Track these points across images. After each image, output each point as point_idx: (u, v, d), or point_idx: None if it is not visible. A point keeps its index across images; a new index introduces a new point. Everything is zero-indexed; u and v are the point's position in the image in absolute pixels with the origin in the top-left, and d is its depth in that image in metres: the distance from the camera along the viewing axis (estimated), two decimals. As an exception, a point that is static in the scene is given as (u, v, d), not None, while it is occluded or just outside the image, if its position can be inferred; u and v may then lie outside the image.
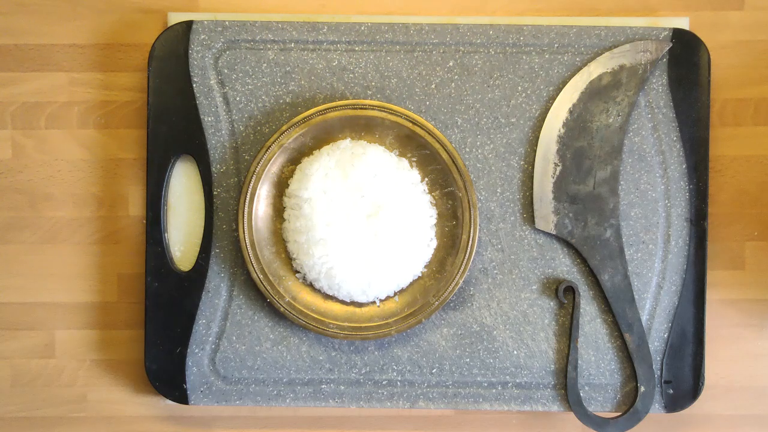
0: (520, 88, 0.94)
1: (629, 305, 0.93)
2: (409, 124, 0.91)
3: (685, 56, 0.93)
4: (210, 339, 0.94)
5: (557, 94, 0.94)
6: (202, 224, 0.94)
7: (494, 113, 0.94)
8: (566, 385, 0.93)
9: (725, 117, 0.96)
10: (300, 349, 0.94)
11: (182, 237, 0.95)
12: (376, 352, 0.94)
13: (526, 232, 0.94)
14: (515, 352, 0.94)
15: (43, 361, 0.97)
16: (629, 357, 0.93)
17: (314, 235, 0.90)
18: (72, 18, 0.97)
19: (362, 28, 0.94)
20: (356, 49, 0.94)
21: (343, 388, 0.94)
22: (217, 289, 0.94)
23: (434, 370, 0.94)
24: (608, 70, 0.93)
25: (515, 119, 0.94)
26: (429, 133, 0.91)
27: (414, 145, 0.92)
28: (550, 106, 0.94)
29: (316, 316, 0.92)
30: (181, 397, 0.94)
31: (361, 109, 0.91)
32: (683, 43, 0.93)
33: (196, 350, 0.94)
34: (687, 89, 0.93)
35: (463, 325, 0.94)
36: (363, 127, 0.92)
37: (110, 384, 0.97)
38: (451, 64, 0.94)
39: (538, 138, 0.94)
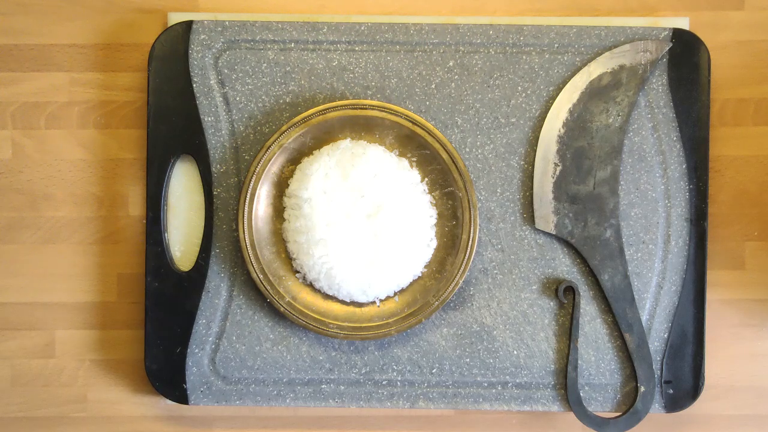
0: (520, 88, 0.94)
1: (629, 305, 0.93)
2: (409, 124, 0.91)
3: (685, 56, 0.93)
4: (210, 339, 0.94)
5: (557, 94, 0.94)
6: (202, 224, 0.94)
7: (494, 113, 0.94)
8: (566, 385, 0.93)
9: (725, 117, 0.96)
10: (300, 349, 0.94)
11: (182, 237, 0.95)
12: (376, 352, 0.94)
13: (526, 232, 0.94)
14: (515, 352, 0.94)
15: (43, 361, 0.97)
16: (629, 357, 0.93)
17: (314, 235, 0.90)
18: (72, 18, 0.97)
19: (362, 28, 0.94)
20: (356, 49, 0.94)
21: (343, 388, 0.94)
22: (217, 289, 0.94)
23: (434, 370, 0.94)
24: (608, 70, 0.93)
25: (515, 119, 0.94)
26: (429, 133, 0.91)
27: (414, 145, 0.92)
28: (550, 106, 0.94)
29: (316, 316, 0.92)
30: (181, 397, 0.94)
31: (361, 109, 0.91)
32: (683, 43, 0.93)
33: (196, 350, 0.94)
34: (687, 89, 0.93)
35: (463, 325, 0.94)
36: (363, 127, 0.92)
37: (110, 384, 0.97)
38: (451, 64, 0.94)
39: (538, 138, 0.94)
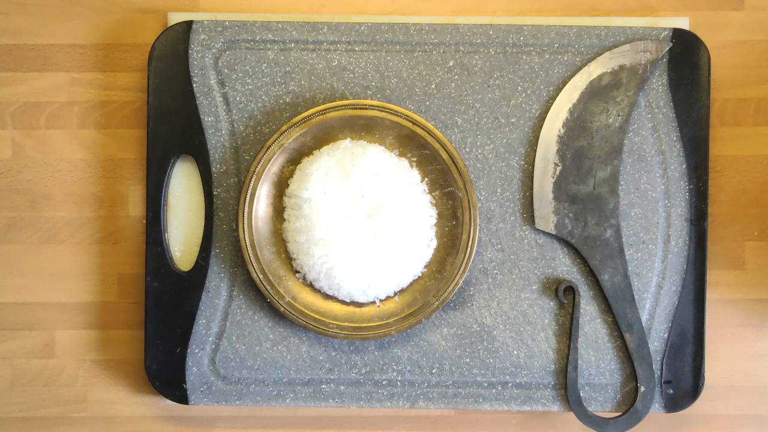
0: (520, 88, 0.94)
1: (629, 305, 0.93)
2: (409, 124, 0.91)
3: (685, 56, 0.93)
4: (210, 339, 0.94)
5: (557, 94, 0.94)
6: (202, 224, 0.94)
7: (494, 113, 0.94)
8: (566, 385, 0.93)
9: (725, 117, 0.96)
10: (300, 349, 0.94)
11: (182, 237, 0.95)
12: (376, 352, 0.94)
13: (526, 232, 0.94)
14: (515, 352, 0.94)
15: (43, 361, 0.97)
16: (629, 357, 0.93)
17: (314, 235, 0.90)
18: (72, 18, 0.97)
19: (362, 28, 0.94)
20: (356, 49, 0.94)
21: (343, 388, 0.94)
22: (217, 289, 0.94)
23: (434, 370, 0.94)
24: (608, 70, 0.93)
25: (515, 119, 0.94)
26: (429, 133, 0.91)
27: (414, 145, 0.92)
28: (550, 106, 0.94)
29: (316, 316, 0.92)
30: (181, 397, 0.94)
31: (361, 109, 0.91)
32: (683, 43, 0.93)
33: (196, 350, 0.94)
34: (687, 89, 0.93)
35: (463, 325, 0.94)
36: (363, 127, 0.92)
37: (110, 384, 0.97)
38: (451, 64, 0.94)
39: (538, 138, 0.94)
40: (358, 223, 0.90)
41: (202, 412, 0.97)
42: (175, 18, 0.95)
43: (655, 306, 0.93)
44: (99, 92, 0.97)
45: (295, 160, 0.93)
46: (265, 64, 0.94)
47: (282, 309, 0.92)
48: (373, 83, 0.94)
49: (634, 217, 0.94)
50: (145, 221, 0.95)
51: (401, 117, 0.91)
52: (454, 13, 0.97)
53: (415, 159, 0.93)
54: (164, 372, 0.94)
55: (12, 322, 0.97)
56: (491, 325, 0.94)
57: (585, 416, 0.93)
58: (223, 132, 0.94)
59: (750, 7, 0.96)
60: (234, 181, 0.94)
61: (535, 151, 0.94)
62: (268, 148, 0.91)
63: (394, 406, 0.94)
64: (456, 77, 0.94)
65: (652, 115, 0.94)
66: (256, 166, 0.91)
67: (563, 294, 0.93)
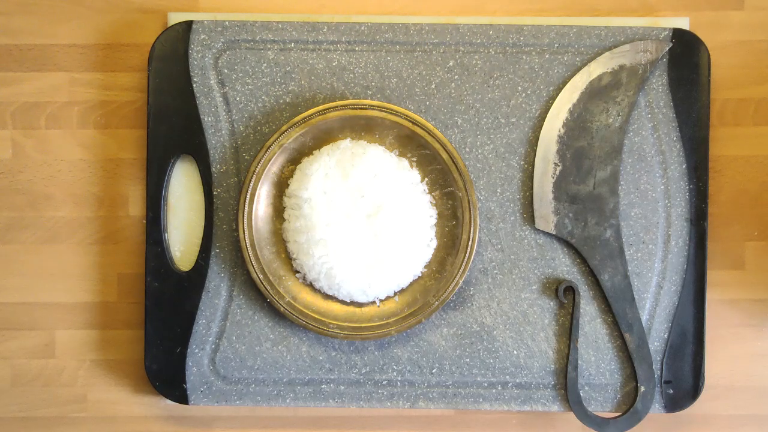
0: (520, 88, 0.94)
1: (629, 305, 0.93)
2: (409, 124, 0.91)
3: (685, 56, 0.93)
4: (210, 339, 0.94)
5: (557, 94, 0.94)
6: (202, 224, 0.94)
7: (494, 113, 0.94)
8: (566, 385, 0.93)
9: (725, 117, 0.96)
10: (300, 349, 0.94)
11: (182, 237, 0.95)
12: (376, 352, 0.94)
13: (526, 232, 0.94)
14: (515, 352, 0.94)
15: (43, 361, 0.97)
16: (629, 357, 0.93)
17: (314, 235, 0.90)
18: (72, 18, 0.97)
19: (362, 28, 0.94)
20: (356, 49, 0.94)
21: (343, 388, 0.94)
22: (217, 289, 0.94)
23: (434, 370, 0.94)
24: (608, 70, 0.93)
25: (515, 119, 0.94)
26: (429, 133, 0.91)
27: (414, 145, 0.92)
28: (550, 106, 0.94)
29: (316, 316, 0.92)
30: (181, 397, 0.94)
31: (361, 109, 0.91)
32: (683, 43, 0.93)
33: (196, 350, 0.94)
34: (687, 89, 0.93)
35: (463, 325, 0.94)
36: (363, 127, 0.92)
37: (110, 384, 0.97)
38: (451, 64, 0.94)
39: (538, 138, 0.94)
40: (358, 223, 0.90)
41: (202, 412, 0.97)
42: (175, 18, 0.95)
43: (655, 306, 0.93)
44: (99, 92, 0.97)
45: (295, 160, 0.93)
46: (265, 64, 0.94)
47: (282, 309, 0.92)
48: (373, 83, 0.94)
49: (634, 217, 0.94)
50: (145, 221, 0.95)
51: (401, 117, 0.91)
52: (454, 13, 0.97)
53: (415, 159, 0.93)
54: (164, 372, 0.94)
55: (12, 322, 0.97)
56: (491, 325, 0.94)
57: (585, 416, 0.93)
58: (223, 132, 0.94)
59: (750, 7, 0.96)
60: (234, 181, 0.94)
61: (535, 151, 0.94)
62: (268, 148, 0.91)
63: (394, 406, 0.94)
64: (456, 77, 0.94)
65: (652, 115, 0.94)
66: (256, 166, 0.91)
67: (563, 294, 0.93)
